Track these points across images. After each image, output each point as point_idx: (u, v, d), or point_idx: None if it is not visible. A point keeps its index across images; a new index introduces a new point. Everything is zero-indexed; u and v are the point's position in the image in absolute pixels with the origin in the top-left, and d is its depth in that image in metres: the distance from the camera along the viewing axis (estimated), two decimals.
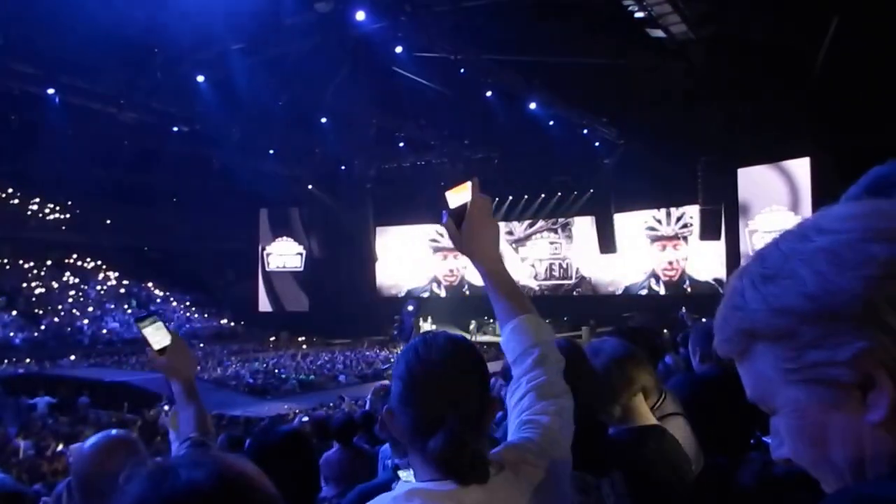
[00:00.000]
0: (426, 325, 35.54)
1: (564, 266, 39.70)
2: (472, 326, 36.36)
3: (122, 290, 41.66)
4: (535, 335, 1.95)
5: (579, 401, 1.97)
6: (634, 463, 2.21)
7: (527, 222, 40.57)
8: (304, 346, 37.15)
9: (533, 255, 40.54)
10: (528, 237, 40.75)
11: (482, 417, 1.69)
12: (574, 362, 2.12)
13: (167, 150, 33.11)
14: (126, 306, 39.70)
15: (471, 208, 2.03)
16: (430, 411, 1.63)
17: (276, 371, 28.32)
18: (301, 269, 44.02)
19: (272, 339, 39.62)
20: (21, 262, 38.63)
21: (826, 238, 0.83)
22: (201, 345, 35.58)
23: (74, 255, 41.41)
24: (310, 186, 41.03)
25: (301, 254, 44.07)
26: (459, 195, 2.07)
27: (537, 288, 39.43)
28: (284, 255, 44.18)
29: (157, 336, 2.79)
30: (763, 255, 0.89)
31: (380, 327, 38.55)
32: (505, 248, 40.83)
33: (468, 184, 2.06)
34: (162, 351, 2.78)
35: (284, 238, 44.19)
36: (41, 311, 35.92)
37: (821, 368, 0.82)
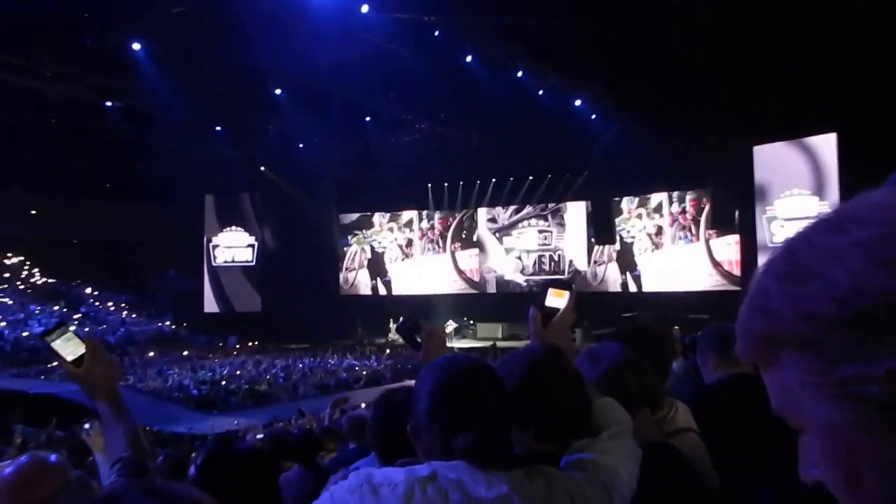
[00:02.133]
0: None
1: (556, 258, 39.35)
2: (449, 329, 36.17)
3: (49, 290, 41.32)
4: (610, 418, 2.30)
5: (552, 421, 2.24)
6: (638, 487, 2.20)
7: (512, 208, 40.15)
8: (257, 352, 36.99)
9: (520, 245, 40.16)
10: (513, 225, 40.34)
11: (503, 428, 2.00)
12: (550, 376, 2.29)
13: (99, 129, 32.85)
14: (55, 307, 39.46)
15: (562, 314, 2.65)
16: (457, 420, 1.93)
17: (225, 381, 28.23)
18: (252, 263, 43.74)
19: (220, 344, 39.45)
20: None
21: (864, 231, 0.78)
22: (140, 352, 35.45)
23: None
24: (262, 168, 40.82)
25: (252, 245, 43.74)
26: (558, 299, 2.67)
27: (524, 283, 39.15)
28: (233, 247, 43.78)
29: (70, 347, 2.78)
30: (792, 249, 0.85)
31: (345, 329, 38.41)
32: (487, 237, 40.68)
33: (567, 293, 2.67)
34: (78, 361, 2.76)
35: (233, 228, 43.79)
36: None
37: (854, 385, 0.77)
